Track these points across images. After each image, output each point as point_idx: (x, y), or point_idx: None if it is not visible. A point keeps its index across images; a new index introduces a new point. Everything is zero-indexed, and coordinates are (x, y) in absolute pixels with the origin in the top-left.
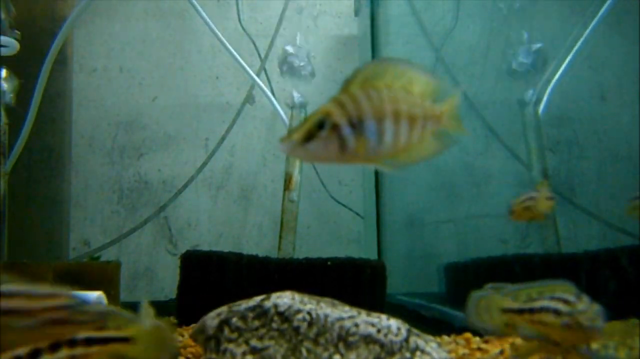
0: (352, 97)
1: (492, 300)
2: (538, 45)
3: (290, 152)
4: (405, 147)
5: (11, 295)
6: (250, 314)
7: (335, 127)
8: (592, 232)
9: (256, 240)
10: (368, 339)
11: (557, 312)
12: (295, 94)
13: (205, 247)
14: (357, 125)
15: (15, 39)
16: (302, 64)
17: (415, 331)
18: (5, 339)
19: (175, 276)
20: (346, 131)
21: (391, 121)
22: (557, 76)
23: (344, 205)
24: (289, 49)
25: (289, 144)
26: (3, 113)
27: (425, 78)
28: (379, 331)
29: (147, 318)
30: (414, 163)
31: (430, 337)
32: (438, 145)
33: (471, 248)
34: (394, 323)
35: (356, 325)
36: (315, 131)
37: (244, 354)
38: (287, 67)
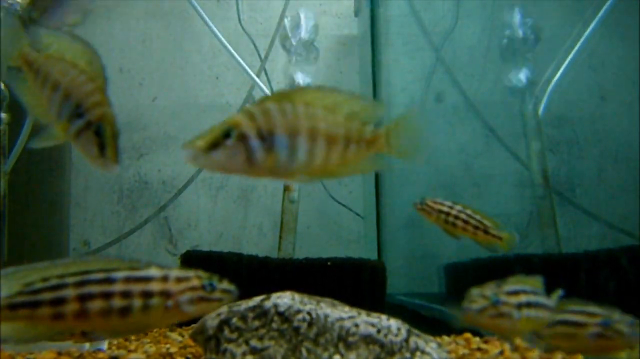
0: (264, 110)
1: None
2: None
3: (192, 160)
4: (324, 166)
5: (149, 279)
6: (250, 315)
7: (243, 138)
8: (592, 232)
9: (256, 240)
10: (368, 340)
11: None
12: (299, 75)
13: (205, 248)
14: (267, 138)
15: None
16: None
17: (415, 331)
18: (162, 320)
19: None
20: (254, 142)
21: (307, 138)
22: (557, 76)
23: (344, 205)
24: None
25: (191, 152)
26: (4, 114)
27: (358, 101)
28: (379, 331)
29: None
30: (334, 178)
31: (430, 337)
32: (369, 166)
33: (471, 248)
34: (394, 323)
35: (356, 325)
36: (221, 140)
37: (244, 354)
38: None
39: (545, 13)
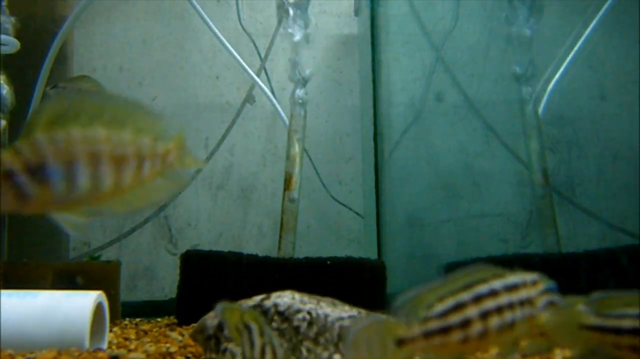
0: (31, 142)
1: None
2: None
3: None
4: (116, 190)
5: (517, 286)
6: None
7: (8, 175)
8: (592, 232)
9: (256, 240)
10: None
11: None
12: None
13: (205, 247)
14: (36, 171)
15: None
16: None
17: None
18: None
19: (175, 276)
20: (20, 178)
21: (87, 163)
22: (557, 76)
23: (344, 205)
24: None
25: None
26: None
27: (142, 115)
28: None
29: None
30: (134, 208)
31: None
32: (168, 185)
33: (471, 248)
34: None
35: None
36: None
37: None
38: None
39: (545, 12)
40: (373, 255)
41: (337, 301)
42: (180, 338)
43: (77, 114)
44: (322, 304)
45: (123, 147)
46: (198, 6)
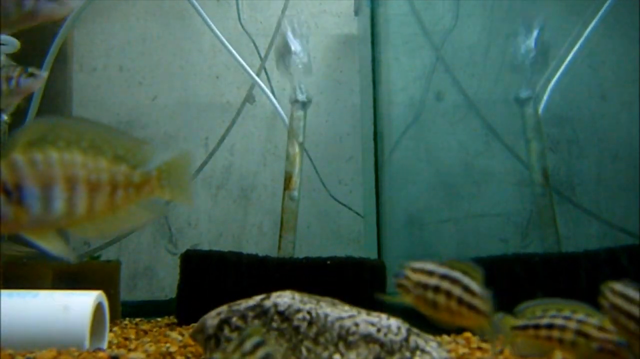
0: (8, 162)
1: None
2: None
3: None
4: (88, 216)
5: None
6: (250, 314)
7: None
8: (592, 232)
9: (256, 239)
10: (368, 339)
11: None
12: (298, 91)
13: (205, 247)
14: (12, 192)
15: None
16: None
17: (415, 330)
18: None
19: (176, 276)
20: None
21: (63, 187)
22: (557, 76)
23: (344, 204)
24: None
25: None
26: (3, 113)
27: (123, 141)
28: (379, 330)
29: None
30: (107, 234)
31: (430, 336)
32: (143, 214)
33: (471, 247)
34: (394, 322)
35: (356, 324)
36: None
37: None
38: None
39: (545, 12)
40: (373, 255)
41: (337, 301)
42: (180, 337)
43: (55, 139)
44: (322, 304)
45: (98, 173)
46: (198, 6)
